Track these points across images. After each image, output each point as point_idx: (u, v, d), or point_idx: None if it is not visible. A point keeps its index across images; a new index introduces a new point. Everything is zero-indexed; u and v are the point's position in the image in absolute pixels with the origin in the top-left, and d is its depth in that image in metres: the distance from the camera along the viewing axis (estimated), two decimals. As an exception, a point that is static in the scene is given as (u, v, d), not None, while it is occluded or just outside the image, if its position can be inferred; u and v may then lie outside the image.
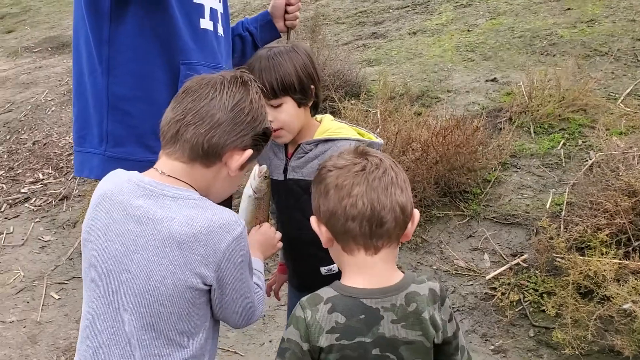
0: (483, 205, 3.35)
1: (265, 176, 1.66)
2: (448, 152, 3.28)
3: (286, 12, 2.11)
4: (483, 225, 3.24)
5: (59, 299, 3.35)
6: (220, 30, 1.91)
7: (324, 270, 1.80)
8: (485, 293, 2.85)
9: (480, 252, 3.10)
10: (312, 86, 1.72)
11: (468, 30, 5.57)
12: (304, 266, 1.88)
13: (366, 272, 1.24)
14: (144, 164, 1.77)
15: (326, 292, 1.25)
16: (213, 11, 1.85)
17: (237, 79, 1.38)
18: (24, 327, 3.14)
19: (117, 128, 1.77)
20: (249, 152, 1.36)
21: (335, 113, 4.05)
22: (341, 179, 1.23)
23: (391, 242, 1.24)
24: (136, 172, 1.37)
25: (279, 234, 1.70)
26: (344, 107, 4.03)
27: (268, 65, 1.66)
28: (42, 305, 3.30)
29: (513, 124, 3.91)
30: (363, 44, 5.87)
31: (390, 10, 6.58)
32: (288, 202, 1.80)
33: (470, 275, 2.96)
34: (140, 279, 1.26)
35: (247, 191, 1.67)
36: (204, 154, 1.31)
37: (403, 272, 1.27)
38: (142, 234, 1.26)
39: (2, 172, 5.09)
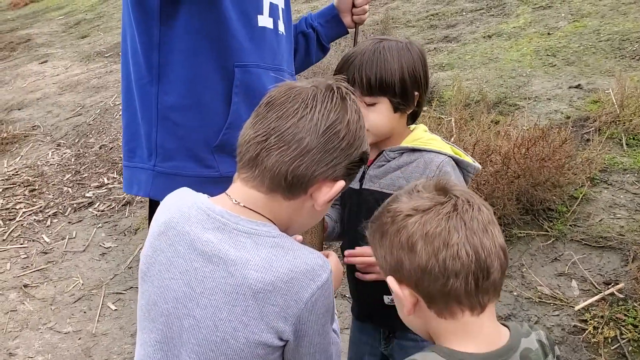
0: (570, 225, 3.02)
1: None
2: (531, 165, 2.98)
3: (354, 5, 1.90)
4: (570, 248, 2.91)
5: (115, 309, 3.25)
6: (281, 27, 1.70)
7: (387, 299, 1.57)
8: (574, 326, 2.53)
9: (567, 279, 2.77)
10: (417, 92, 1.50)
11: (548, 34, 5.21)
12: (367, 292, 1.65)
13: (473, 335, 0.98)
14: (195, 180, 1.59)
15: (427, 357, 0.96)
16: (273, 7, 1.65)
17: (334, 93, 1.10)
18: (79, 338, 3.05)
19: (166, 140, 1.59)
20: (341, 184, 1.10)
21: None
22: (431, 225, 0.96)
23: (496, 294, 0.98)
24: (205, 196, 1.15)
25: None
26: (415, 115, 3.78)
27: (372, 59, 1.46)
28: (99, 316, 3.21)
29: (602, 135, 3.55)
30: (435, 48, 5.59)
31: (464, 13, 6.27)
32: (359, 214, 1.57)
33: (556, 304, 2.65)
34: (206, 327, 1.05)
35: None
36: (287, 185, 1.07)
37: (505, 325, 1.02)
38: (211, 275, 1.05)
39: (69, 175, 5.12)
